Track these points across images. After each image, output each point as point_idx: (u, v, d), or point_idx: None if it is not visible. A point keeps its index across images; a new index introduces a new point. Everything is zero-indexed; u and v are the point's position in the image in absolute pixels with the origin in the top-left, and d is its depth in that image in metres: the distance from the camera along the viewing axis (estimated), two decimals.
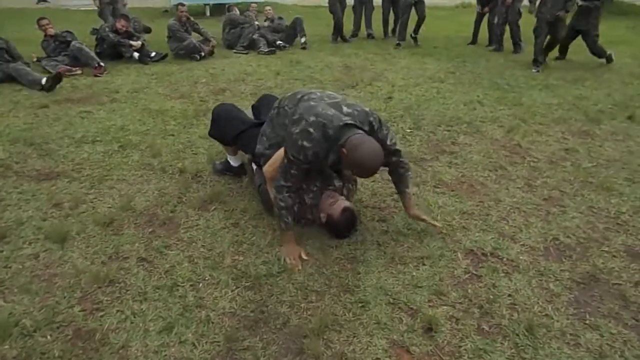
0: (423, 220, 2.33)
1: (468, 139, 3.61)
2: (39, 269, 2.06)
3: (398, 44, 7.42)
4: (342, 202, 2.28)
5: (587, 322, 1.80)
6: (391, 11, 8.05)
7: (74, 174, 2.94)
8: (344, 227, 2.27)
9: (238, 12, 7.49)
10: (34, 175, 2.92)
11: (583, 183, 2.92)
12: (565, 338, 1.72)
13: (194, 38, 6.56)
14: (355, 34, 8.12)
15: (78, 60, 5.56)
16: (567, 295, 1.94)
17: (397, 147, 2.21)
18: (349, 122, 1.98)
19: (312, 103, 2.11)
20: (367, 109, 2.12)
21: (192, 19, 6.74)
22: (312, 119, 1.99)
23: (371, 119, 2.08)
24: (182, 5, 6.65)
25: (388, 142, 2.13)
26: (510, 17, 6.79)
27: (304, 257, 2.14)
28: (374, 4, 8.05)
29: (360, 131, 1.98)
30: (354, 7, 7.90)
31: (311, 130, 1.97)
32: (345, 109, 2.07)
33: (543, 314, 1.83)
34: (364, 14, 8.04)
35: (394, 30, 7.85)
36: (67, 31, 6.02)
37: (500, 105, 4.49)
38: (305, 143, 1.97)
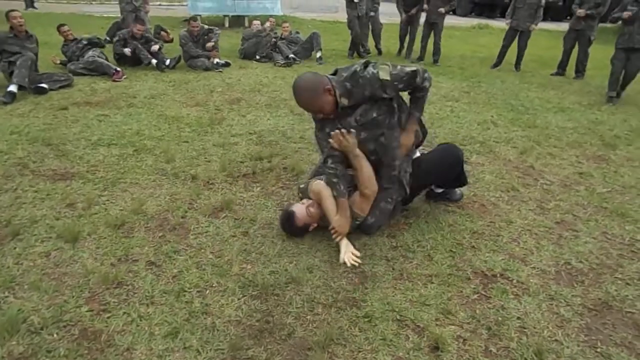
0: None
1: (481, 159, 3.60)
2: (50, 267, 2.08)
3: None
4: (295, 205, 2.39)
5: (599, 350, 1.76)
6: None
7: (88, 176, 2.98)
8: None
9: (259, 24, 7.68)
10: (49, 175, 2.97)
11: (597, 208, 2.88)
12: None
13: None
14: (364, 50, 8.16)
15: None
16: (578, 321, 1.90)
17: (391, 76, 2.28)
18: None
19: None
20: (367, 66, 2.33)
21: (202, 26, 6.81)
22: None
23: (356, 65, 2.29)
24: (195, 20, 6.75)
25: (380, 76, 2.28)
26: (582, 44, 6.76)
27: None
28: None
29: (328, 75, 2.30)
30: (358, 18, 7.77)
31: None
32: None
33: (553, 339, 1.80)
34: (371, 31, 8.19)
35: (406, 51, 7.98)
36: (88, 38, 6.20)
37: (514, 126, 4.48)
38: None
